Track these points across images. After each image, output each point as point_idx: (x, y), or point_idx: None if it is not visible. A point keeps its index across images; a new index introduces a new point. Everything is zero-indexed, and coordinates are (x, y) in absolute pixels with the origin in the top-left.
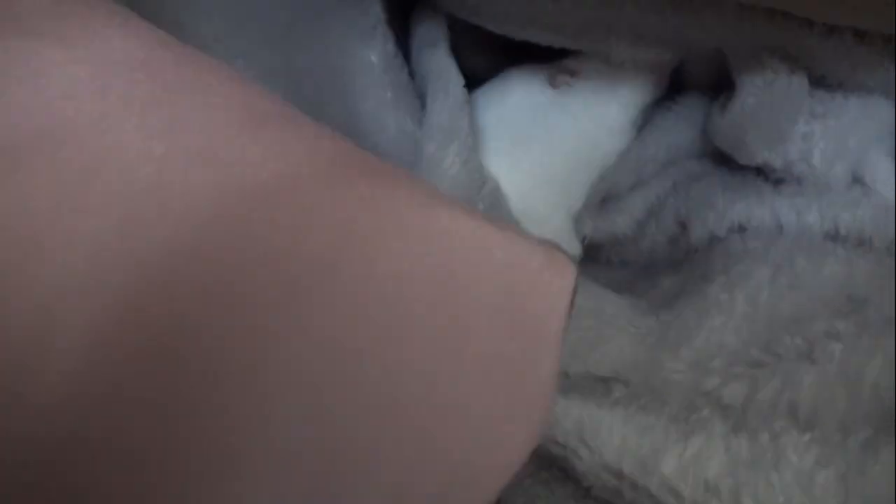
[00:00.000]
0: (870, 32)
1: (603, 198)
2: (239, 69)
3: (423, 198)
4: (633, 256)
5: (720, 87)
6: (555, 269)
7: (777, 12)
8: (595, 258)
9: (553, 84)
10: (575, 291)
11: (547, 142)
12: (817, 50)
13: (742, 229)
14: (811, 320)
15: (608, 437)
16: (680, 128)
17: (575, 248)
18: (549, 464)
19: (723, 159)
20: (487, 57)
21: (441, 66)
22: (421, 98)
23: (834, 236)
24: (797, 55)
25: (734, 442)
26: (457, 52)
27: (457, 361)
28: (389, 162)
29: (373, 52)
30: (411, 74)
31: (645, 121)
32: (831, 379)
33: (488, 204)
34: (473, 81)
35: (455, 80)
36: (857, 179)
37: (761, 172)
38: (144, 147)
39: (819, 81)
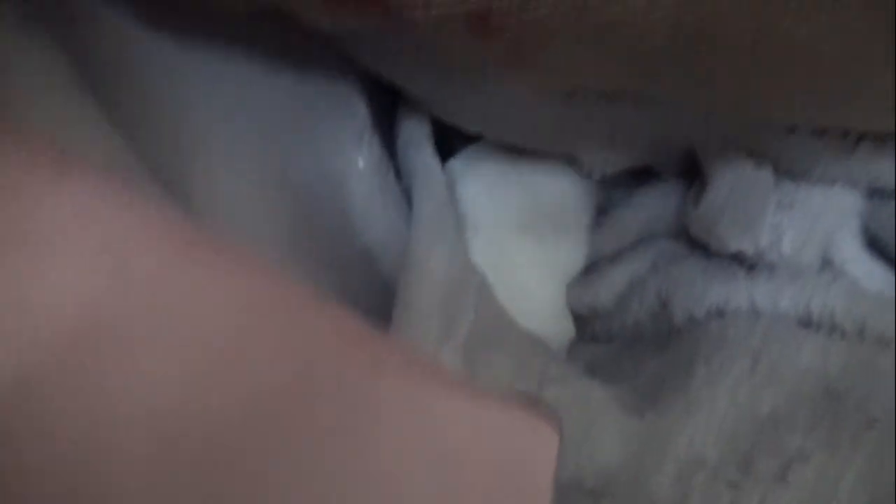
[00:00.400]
0: (827, 130)
1: (586, 268)
2: (234, 173)
3: (422, 383)
4: (617, 331)
5: (691, 173)
6: (541, 437)
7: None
8: (580, 333)
9: None
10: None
11: (521, 208)
12: (779, 146)
13: (720, 313)
14: (788, 431)
15: None
16: (659, 203)
17: (567, 326)
18: None
19: (699, 243)
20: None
21: (426, 167)
22: (407, 193)
23: (807, 322)
24: (762, 151)
25: None
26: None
27: None
28: (394, 343)
29: (360, 157)
30: (397, 170)
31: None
32: (806, 502)
33: (476, 299)
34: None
35: (439, 180)
36: (826, 263)
37: (736, 258)
38: (169, 357)
39: (785, 173)
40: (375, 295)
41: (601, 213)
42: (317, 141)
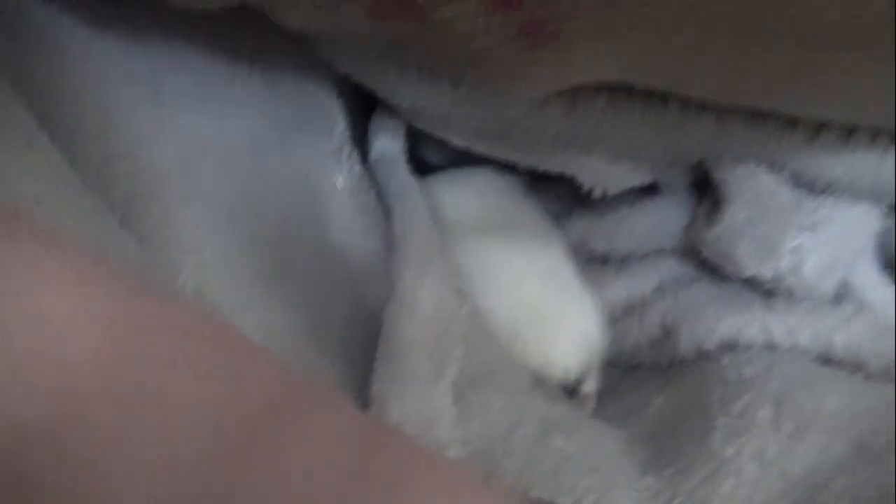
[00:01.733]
0: (857, 130)
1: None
2: (198, 212)
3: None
4: (615, 355)
5: (700, 187)
6: None
7: (760, 116)
8: None
9: None
10: None
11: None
12: (804, 151)
13: (732, 346)
14: (830, 501)
15: None
16: (666, 214)
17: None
18: None
19: (709, 265)
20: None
21: (403, 186)
22: (386, 212)
23: (828, 359)
24: (784, 161)
25: None
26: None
27: None
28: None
29: (339, 177)
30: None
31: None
32: None
33: (466, 333)
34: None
35: (418, 201)
36: (846, 289)
37: (750, 283)
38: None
39: (808, 188)
40: (360, 324)
41: (591, 206)
42: (290, 157)
